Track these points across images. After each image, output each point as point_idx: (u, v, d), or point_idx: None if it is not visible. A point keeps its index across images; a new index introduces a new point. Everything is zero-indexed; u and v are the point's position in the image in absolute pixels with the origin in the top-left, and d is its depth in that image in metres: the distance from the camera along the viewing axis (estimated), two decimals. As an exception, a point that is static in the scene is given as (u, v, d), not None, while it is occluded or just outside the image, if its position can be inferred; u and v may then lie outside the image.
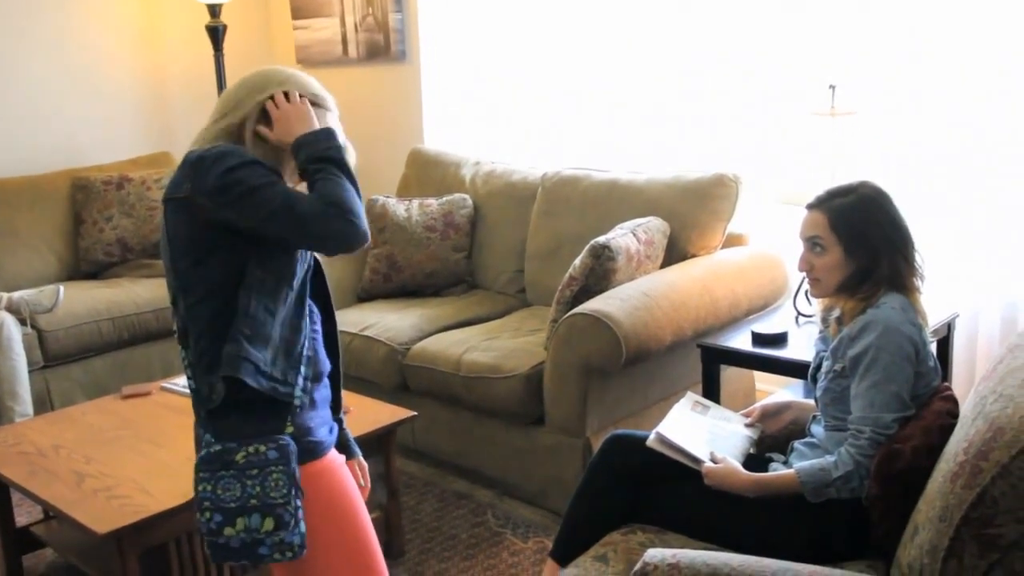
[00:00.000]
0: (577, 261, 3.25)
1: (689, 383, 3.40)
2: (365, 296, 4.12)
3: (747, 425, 2.43)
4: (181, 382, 3.31)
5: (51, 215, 4.70)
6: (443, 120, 4.95)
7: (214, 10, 5.14)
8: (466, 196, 4.20)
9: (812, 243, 2.22)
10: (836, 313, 2.24)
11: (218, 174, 1.75)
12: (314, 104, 1.94)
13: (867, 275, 2.17)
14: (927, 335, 2.17)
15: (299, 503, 1.76)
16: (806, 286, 3.18)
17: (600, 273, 3.20)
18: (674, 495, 2.26)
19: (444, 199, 4.18)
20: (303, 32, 5.52)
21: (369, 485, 2.19)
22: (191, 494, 1.82)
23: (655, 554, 1.77)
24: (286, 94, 1.89)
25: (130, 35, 5.31)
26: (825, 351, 2.26)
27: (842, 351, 2.16)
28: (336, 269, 4.14)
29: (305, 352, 1.85)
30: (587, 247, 3.23)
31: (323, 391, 1.94)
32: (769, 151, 3.82)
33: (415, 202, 4.17)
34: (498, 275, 4.12)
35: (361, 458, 2.20)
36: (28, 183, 4.72)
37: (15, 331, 3.92)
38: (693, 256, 3.58)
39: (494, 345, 3.44)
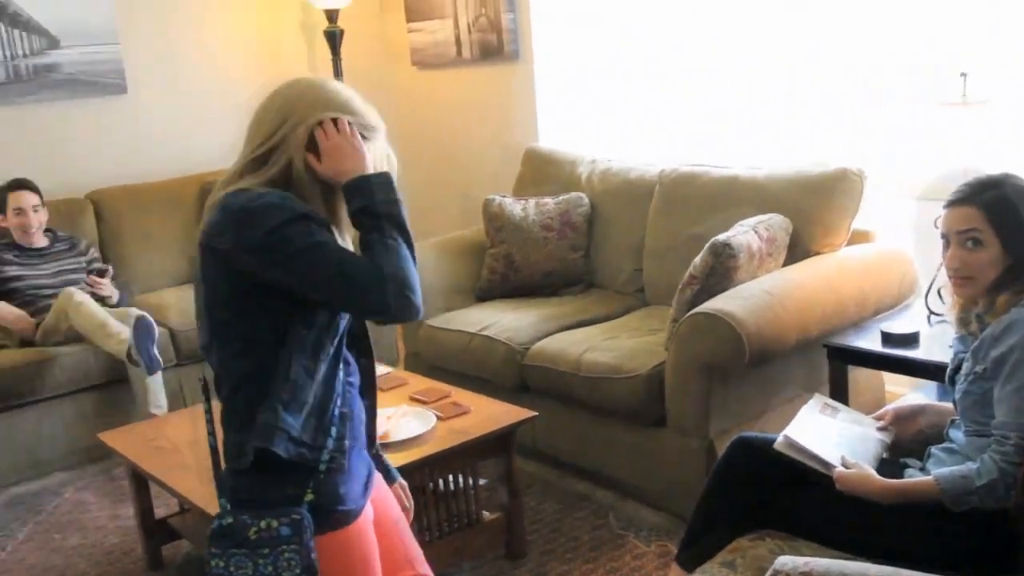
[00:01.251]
0: (697, 259, 3.21)
1: (815, 385, 3.32)
2: (483, 296, 4.15)
3: (879, 429, 2.36)
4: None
5: (183, 219, 4.87)
6: (557, 118, 4.95)
7: (332, 15, 5.25)
8: (582, 195, 4.19)
9: (965, 238, 2.11)
10: (976, 312, 2.15)
11: (264, 232, 1.63)
12: (362, 135, 1.78)
13: (1021, 271, 2.07)
14: None
15: None
16: (939, 284, 3.07)
17: (721, 272, 3.15)
18: (804, 500, 2.21)
19: (561, 198, 4.17)
20: (417, 35, 5.59)
21: (412, 507, 2.14)
22: None
23: (786, 561, 1.73)
24: (334, 121, 1.74)
25: (251, 44, 5.47)
26: (964, 352, 2.17)
27: (984, 352, 2.07)
28: (454, 269, 4.19)
29: (338, 411, 1.76)
30: (707, 245, 3.19)
31: (360, 452, 1.85)
32: (895, 144, 3.70)
33: (532, 201, 4.18)
34: (616, 274, 4.10)
35: (401, 480, 2.12)
36: (161, 188, 4.91)
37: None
38: (817, 254, 3.49)
39: (614, 345, 3.42)
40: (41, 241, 4.33)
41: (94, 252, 4.51)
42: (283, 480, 1.71)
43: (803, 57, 3.92)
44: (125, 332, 3.98)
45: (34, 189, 4.29)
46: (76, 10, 4.84)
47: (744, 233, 3.24)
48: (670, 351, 3.14)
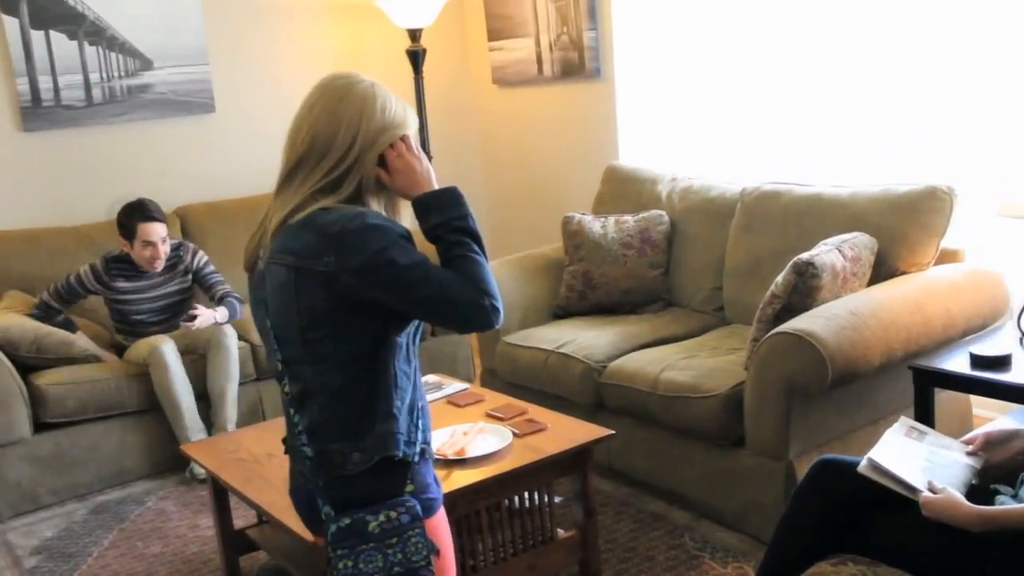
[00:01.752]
0: (779, 278, 3.15)
1: (900, 407, 3.23)
2: (561, 313, 4.14)
3: (968, 454, 2.28)
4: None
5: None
6: (638, 136, 4.93)
7: (414, 35, 5.31)
8: (662, 212, 4.15)
9: None
10: None
11: (368, 254, 1.70)
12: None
13: None
14: None
15: (434, 559, 1.77)
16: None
17: (804, 291, 3.09)
18: (888, 525, 2.15)
19: (640, 216, 4.15)
20: (498, 53, 5.63)
21: None
22: None
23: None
24: (403, 138, 1.84)
25: (334, 63, 5.54)
26: None
27: None
28: (531, 286, 4.19)
29: (420, 404, 1.86)
30: (790, 264, 3.13)
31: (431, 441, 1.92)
32: (986, 161, 3.60)
33: (611, 219, 4.16)
34: (695, 292, 4.05)
35: None
36: (245, 205, 5.00)
37: (232, 346, 4.16)
38: (903, 273, 3.40)
39: (692, 364, 3.38)
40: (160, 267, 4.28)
41: (200, 258, 4.40)
42: (390, 477, 1.79)
43: (891, 73, 3.84)
44: (196, 430, 4.07)
45: (162, 219, 4.22)
46: (168, 33, 4.98)
47: (828, 252, 3.18)
48: (750, 371, 3.09)
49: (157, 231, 4.17)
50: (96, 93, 4.82)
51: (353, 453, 1.77)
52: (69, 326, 4.20)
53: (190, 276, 4.37)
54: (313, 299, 1.75)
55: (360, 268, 1.70)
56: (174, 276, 4.33)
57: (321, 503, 1.79)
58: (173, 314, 4.31)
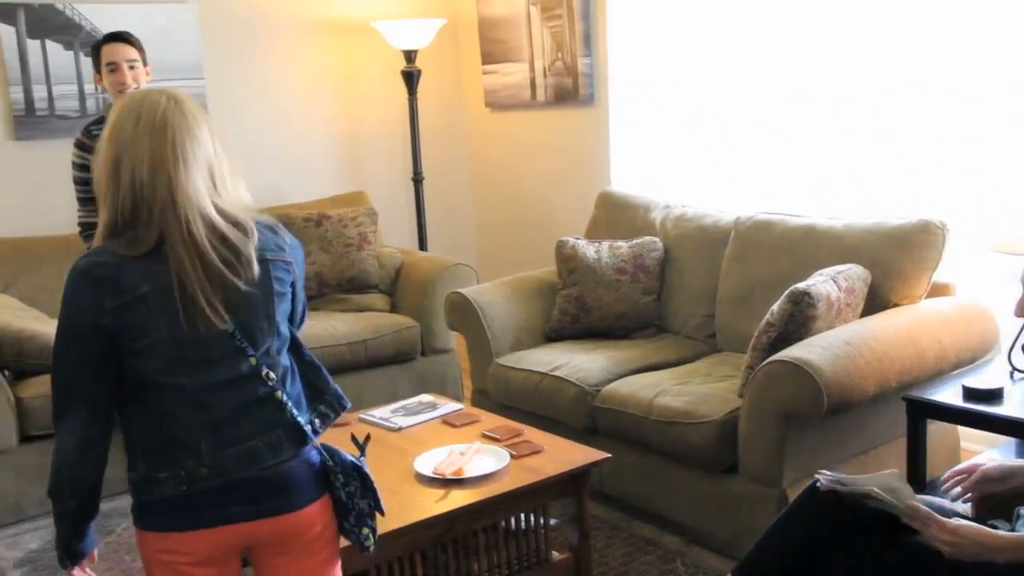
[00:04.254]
0: (775, 307, 3.19)
1: (891, 437, 3.28)
2: (553, 336, 4.16)
3: (964, 501, 2.31)
4: (379, 413, 3.42)
5: (256, 249, 4.95)
6: (631, 163, 4.98)
7: (410, 56, 5.35)
8: (656, 239, 4.19)
9: None
10: None
11: (302, 253, 2.04)
12: None
13: None
14: None
15: None
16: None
17: (800, 320, 3.13)
18: (871, 548, 2.18)
19: (634, 242, 4.18)
20: (492, 77, 5.67)
21: None
22: (391, 523, 2.05)
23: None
24: None
25: (329, 81, 5.58)
26: None
27: None
28: (524, 309, 4.20)
29: None
30: (786, 293, 3.17)
31: None
32: (976, 195, 3.67)
33: (605, 244, 4.19)
34: (687, 319, 4.09)
35: None
36: (236, 219, 5.00)
37: None
38: (895, 305, 3.45)
39: (686, 390, 3.41)
40: None
41: None
42: None
43: (882, 106, 3.91)
44: None
45: (130, 42, 3.65)
46: (165, 46, 4.98)
47: (824, 282, 3.22)
48: (745, 398, 3.12)
49: (120, 52, 3.61)
50: (90, 104, 4.81)
51: (315, 419, 1.99)
52: None
53: None
54: (282, 285, 1.96)
55: (301, 261, 2.05)
56: None
57: (319, 456, 1.96)
58: None
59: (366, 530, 1.97)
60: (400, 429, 3.27)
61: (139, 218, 1.81)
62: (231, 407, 1.85)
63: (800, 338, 3.13)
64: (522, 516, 2.91)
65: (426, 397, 3.60)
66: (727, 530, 3.24)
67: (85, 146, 3.72)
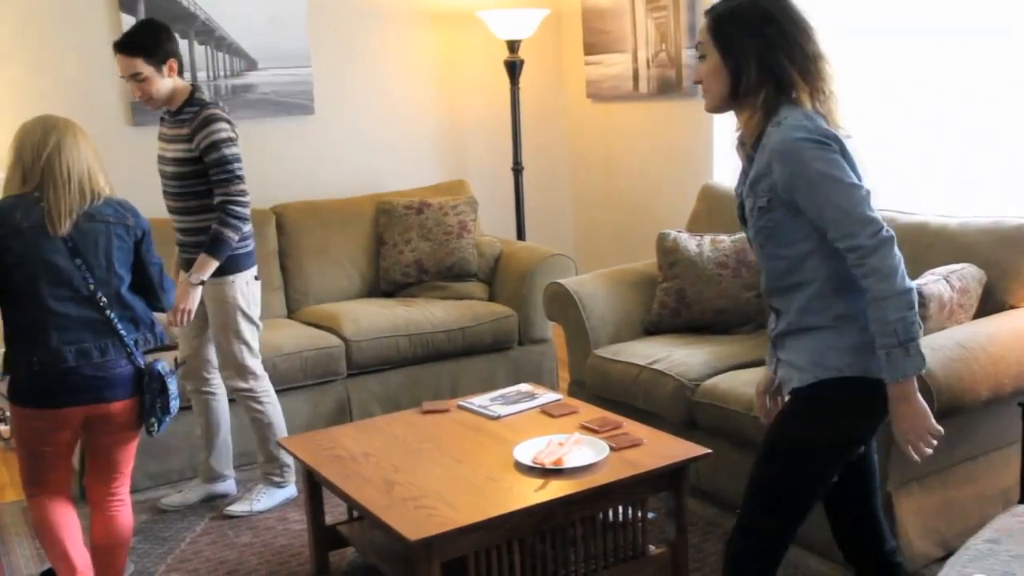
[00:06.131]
0: (884, 306, 3.11)
1: (1003, 443, 3.18)
2: (652, 329, 4.13)
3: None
4: (478, 401, 3.45)
5: (357, 236, 5.04)
6: (733, 156, 4.89)
7: (513, 46, 5.36)
8: (770, 235, 4.11)
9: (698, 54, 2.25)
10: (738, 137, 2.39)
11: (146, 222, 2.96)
12: None
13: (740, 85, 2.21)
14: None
15: None
16: None
17: (910, 320, 3.05)
18: None
19: (737, 236, 4.12)
20: (594, 68, 5.65)
21: None
22: (491, 511, 2.10)
23: None
24: None
25: (432, 71, 5.63)
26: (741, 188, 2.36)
27: (762, 184, 2.24)
28: (624, 301, 4.18)
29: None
30: (896, 292, 3.09)
31: None
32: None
33: (707, 238, 4.15)
34: (789, 316, 4.01)
35: None
36: (339, 206, 5.09)
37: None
38: (1012, 308, 3.33)
39: (788, 388, 3.34)
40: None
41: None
42: None
43: (1001, 100, 3.78)
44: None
45: (133, 48, 3.41)
46: (274, 35, 5.10)
47: (936, 282, 3.14)
48: (851, 398, 3.05)
49: (122, 66, 3.44)
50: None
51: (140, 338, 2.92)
52: None
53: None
54: (123, 245, 2.89)
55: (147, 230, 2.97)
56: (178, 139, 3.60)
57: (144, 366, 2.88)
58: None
59: (153, 419, 2.87)
60: (499, 417, 3.29)
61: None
62: (74, 317, 2.74)
63: (910, 339, 3.05)
64: (620, 508, 2.91)
65: (524, 386, 3.61)
66: (826, 531, 3.16)
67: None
